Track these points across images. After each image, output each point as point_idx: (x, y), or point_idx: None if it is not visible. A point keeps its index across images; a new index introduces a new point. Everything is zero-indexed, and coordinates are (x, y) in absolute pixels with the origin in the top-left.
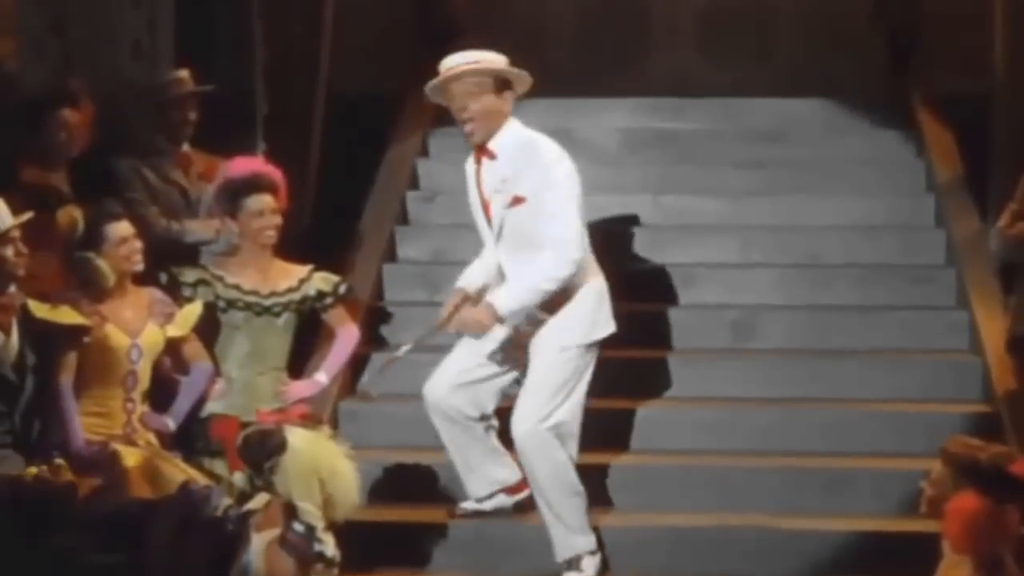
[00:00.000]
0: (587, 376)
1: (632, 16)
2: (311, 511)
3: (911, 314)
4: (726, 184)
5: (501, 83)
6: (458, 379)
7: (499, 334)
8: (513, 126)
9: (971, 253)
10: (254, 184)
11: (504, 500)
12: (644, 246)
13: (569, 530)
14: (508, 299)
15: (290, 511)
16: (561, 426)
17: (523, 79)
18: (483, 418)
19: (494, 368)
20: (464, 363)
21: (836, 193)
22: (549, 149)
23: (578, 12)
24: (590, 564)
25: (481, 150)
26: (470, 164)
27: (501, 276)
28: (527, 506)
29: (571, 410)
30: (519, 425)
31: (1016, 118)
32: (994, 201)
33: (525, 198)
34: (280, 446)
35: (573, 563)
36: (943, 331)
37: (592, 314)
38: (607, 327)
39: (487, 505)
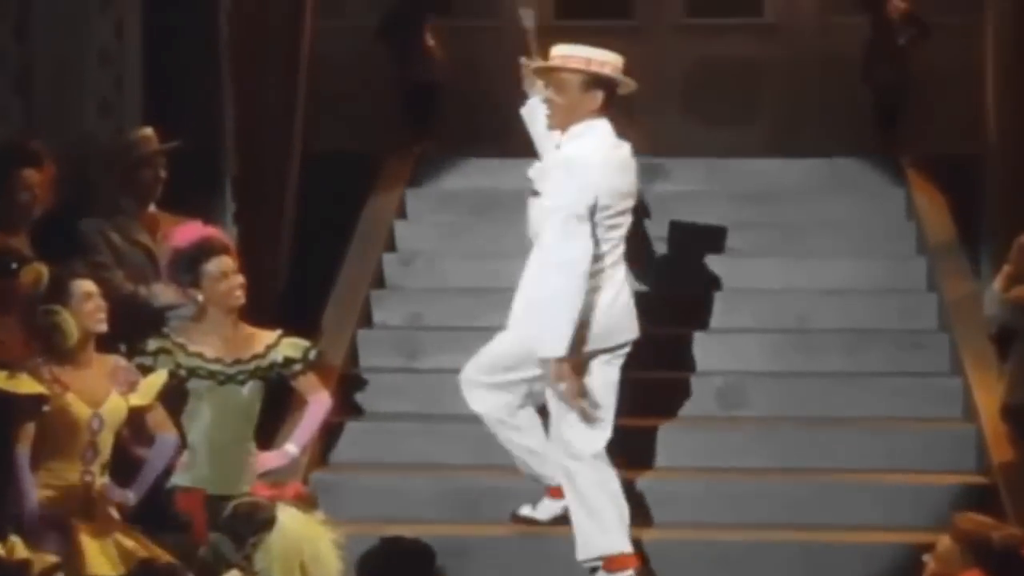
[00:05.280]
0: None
1: None
2: None
3: (903, 380)
4: (713, 246)
5: (590, 81)
6: (491, 378)
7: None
8: (593, 126)
9: (965, 317)
10: (209, 248)
11: (554, 506)
12: None
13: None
14: (548, 340)
15: None
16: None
17: (624, 83)
18: (522, 408)
19: (527, 372)
20: (497, 363)
21: (825, 256)
22: (573, 158)
23: None
24: None
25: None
26: None
27: None
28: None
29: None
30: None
31: (1007, 179)
32: (987, 264)
33: (540, 194)
34: (269, 522)
35: None
36: (936, 398)
37: (605, 321)
38: (625, 333)
39: (540, 514)
